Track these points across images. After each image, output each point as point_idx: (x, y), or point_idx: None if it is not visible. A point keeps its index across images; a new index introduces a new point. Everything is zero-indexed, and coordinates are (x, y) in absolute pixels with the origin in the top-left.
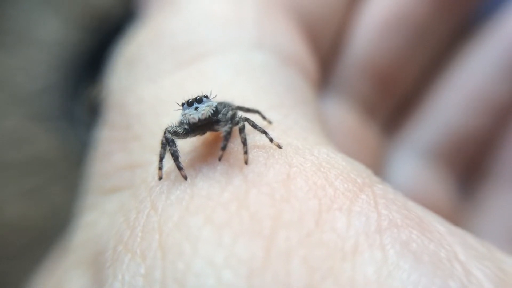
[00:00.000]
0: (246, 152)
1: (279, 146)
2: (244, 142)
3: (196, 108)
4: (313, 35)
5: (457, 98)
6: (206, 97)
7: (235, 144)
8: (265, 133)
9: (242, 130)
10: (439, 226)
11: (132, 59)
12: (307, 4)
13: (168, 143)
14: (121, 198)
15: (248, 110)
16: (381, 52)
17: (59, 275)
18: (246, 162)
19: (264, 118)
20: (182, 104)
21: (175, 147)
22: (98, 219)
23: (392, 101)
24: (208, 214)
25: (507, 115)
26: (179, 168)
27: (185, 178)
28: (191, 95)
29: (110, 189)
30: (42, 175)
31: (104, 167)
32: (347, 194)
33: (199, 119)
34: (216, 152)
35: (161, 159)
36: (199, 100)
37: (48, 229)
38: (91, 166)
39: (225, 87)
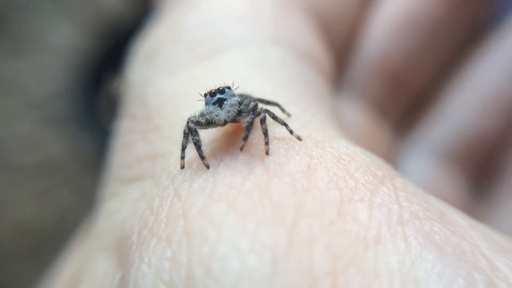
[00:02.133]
0: (267, 143)
1: (299, 138)
2: (265, 133)
3: (220, 101)
4: (328, 32)
5: (470, 99)
6: (229, 88)
7: (255, 135)
8: (285, 125)
9: (263, 121)
10: (461, 220)
11: (151, 53)
12: (323, 2)
13: (191, 133)
14: (142, 187)
15: (268, 102)
16: (394, 52)
17: (81, 260)
18: (267, 153)
19: (283, 110)
20: (205, 95)
21: (198, 136)
22: (119, 207)
23: (404, 101)
24: (231, 202)
25: None
26: (202, 157)
27: (207, 167)
28: (213, 86)
29: (131, 178)
30: (52, 178)
31: (124, 157)
32: (368, 186)
33: (225, 120)
34: (236, 143)
35: (184, 148)
36: (221, 91)
37: (57, 232)
38: (112, 157)
39: (242, 81)
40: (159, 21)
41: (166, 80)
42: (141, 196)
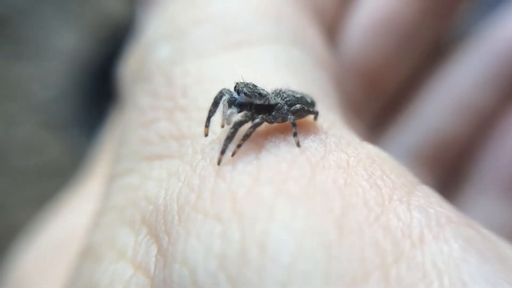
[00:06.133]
0: (238, 146)
1: (298, 145)
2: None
3: (231, 102)
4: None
5: (441, 103)
6: (245, 94)
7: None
8: (294, 125)
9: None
10: (482, 228)
11: (175, 33)
12: (321, 4)
13: (214, 101)
14: (168, 165)
15: (308, 111)
16: (369, 53)
17: (104, 233)
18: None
19: (315, 118)
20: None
21: (215, 107)
22: (141, 183)
23: (377, 103)
24: (280, 187)
25: (488, 123)
26: (205, 125)
27: (206, 135)
28: (242, 78)
29: (152, 156)
30: (52, 181)
31: (145, 134)
32: (404, 188)
33: (226, 122)
34: (277, 129)
35: (210, 115)
36: (238, 91)
37: None
38: (128, 131)
39: (269, 75)
40: (177, 2)
41: (194, 62)
42: (169, 175)
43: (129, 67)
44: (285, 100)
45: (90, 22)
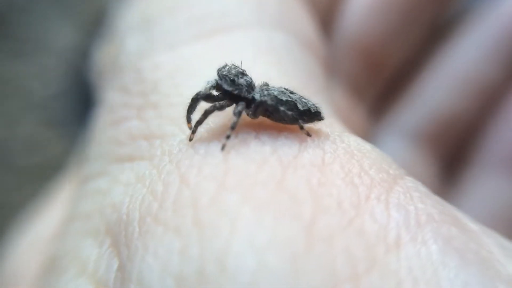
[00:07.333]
0: (193, 133)
1: (223, 148)
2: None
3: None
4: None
5: (444, 81)
6: (218, 75)
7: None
8: (232, 128)
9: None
10: (472, 224)
11: (147, 22)
12: None
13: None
14: (137, 168)
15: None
16: (369, 31)
17: (69, 242)
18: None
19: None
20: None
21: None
22: (109, 188)
23: (380, 83)
24: (246, 192)
25: (493, 100)
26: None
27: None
28: (223, 63)
29: (123, 157)
30: (54, 179)
31: (116, 134)
32: (383, 184)
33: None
34: (250, 126)
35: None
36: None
37: None
38: (99, 131)
39: (248, 63)
40: None
41: (165, 54)
42: (137, 179)
43: (101, 61)
44: (261, 97)
45: (89, 18)
